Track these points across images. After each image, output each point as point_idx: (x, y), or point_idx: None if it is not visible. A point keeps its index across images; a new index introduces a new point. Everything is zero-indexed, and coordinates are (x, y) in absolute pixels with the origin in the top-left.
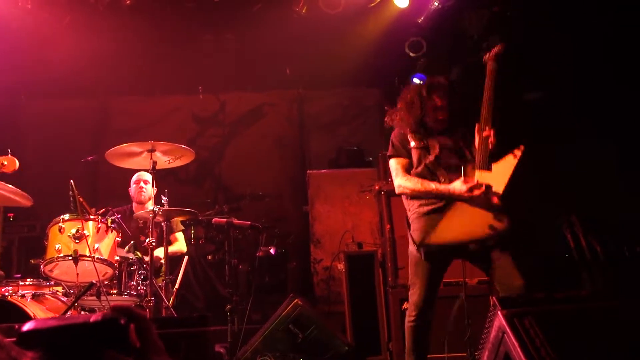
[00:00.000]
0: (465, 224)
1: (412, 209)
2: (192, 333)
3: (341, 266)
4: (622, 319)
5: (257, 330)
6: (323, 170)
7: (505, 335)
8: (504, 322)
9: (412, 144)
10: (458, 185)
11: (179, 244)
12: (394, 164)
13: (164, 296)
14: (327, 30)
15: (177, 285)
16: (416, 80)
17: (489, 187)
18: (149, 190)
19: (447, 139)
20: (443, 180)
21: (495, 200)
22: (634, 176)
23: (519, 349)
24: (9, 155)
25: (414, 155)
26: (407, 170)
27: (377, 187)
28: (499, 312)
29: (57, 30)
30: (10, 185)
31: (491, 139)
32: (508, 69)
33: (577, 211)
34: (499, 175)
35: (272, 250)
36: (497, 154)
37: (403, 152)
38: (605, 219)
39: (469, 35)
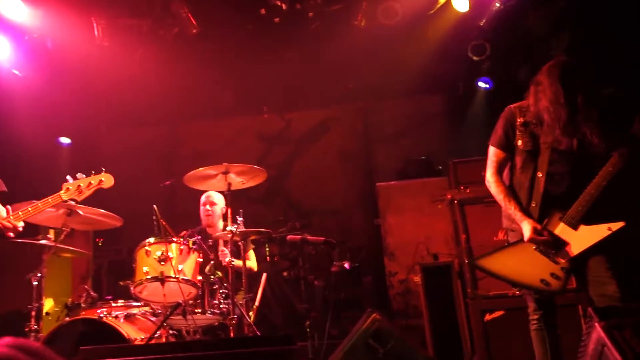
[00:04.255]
0: (522, 264)
1: (503, 208)
2: (280, 352)
3: (417, 279)
4: None
5: (337, 346)
6: (392, 182)
7: (605, 348)
8: (602, 334)
9: (519, 142)
10: (525, 227)
11: (251, 263)
12: (491, 153)
13: (245, 314)
14: (387, 40)
15: (257, 303)
16: (481, 85)
17: (563, 243)
18: (217, 211)
19: (565, 139)
20: (534, 205)
21: (562, 260)
22: None
23: None
24: (104, 172)
25: (519, 156)
26: (502, 166)
27: (449, 197)
28: (596, 324)
29: (130, 64)
30: (101, 210)
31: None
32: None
33: None
34: (582, 238)
35: (346, 265)
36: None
37: (505, 145)
38: None
39: (534, 33)
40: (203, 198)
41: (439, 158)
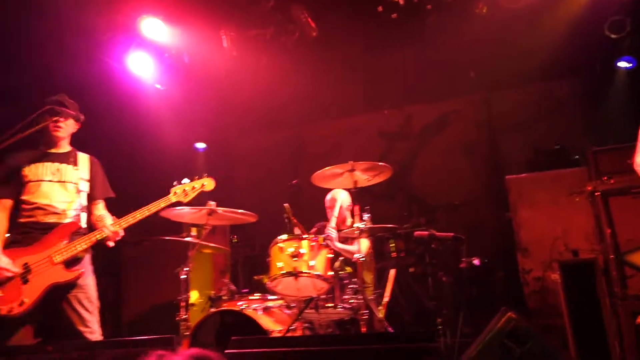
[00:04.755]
0: None
1: None
2: (422, 349)
3: (555, 276)
4: None
5: (470, 344)
6: (523, 175)
7: None
8: None
9: None
10: None
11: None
12: None
13: (375, 309)
14: (510, 25)
15: (387, 298)
16: (623, 64)
17: None
18: (334, 212)
19: None
20: None
21: None
22: None
23: None
24: (206, 177)
25: None
26: None
27: (589, 188)
28: None
29: (256, 71)
30: (238, 210)
31: None
32: None
33: None
34: None
35: (476, 261)
36: None
37: None
38: None
39: None
40: (328, 196)
41: (574, 147)
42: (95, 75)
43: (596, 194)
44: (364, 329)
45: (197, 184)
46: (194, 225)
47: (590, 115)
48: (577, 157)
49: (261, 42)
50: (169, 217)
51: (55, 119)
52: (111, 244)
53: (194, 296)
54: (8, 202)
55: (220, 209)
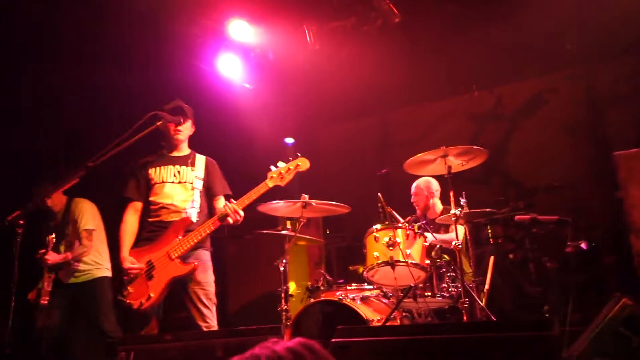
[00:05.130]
0: None
1: None
2: (538, 337)
3: None
4: None
5: (580, 333)
6: (634, 150)
7: None
8: None
9: None
10: None
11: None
12: None
13: (477, 297)
14: None
15: (487, 286)
16: None
17: None
18: (420, 201)
19: None
20: None
21: None
22: None
23: None
24: (300, 157)
25: None
26: None
27: None
28: None
29: (339, 62)
30: (331, 202)
31: None
32: None
33: None
34: None
35: (583, 245)
36: None
37: None
38: None
39: None
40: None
41: None
42: (190, 80)
43: None
44: (465, 318)
45: (291, 165)
46: (289, 218)
47: None
48: None
49: (342, 33)
50: (266, 211)
51: (175, 123)
52: (230, 220)
53: (292, 287)
54: (139, 205)
55: (313, 202)
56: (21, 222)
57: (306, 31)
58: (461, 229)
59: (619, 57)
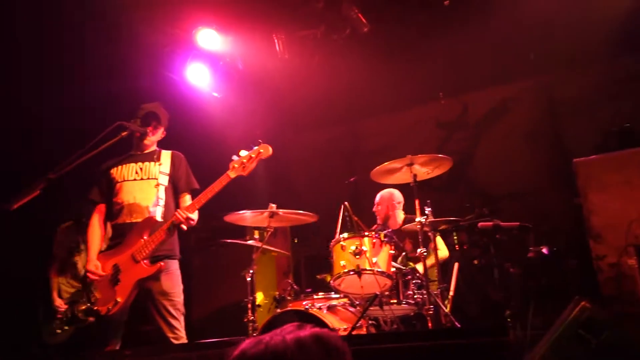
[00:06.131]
0: None
1: None
2: (492, 343)
3: (632, 261)
4: None
5: (541, 337)
6: (592, 157)
7: None
8: None
9: None
10: None
11: (441, 252)
12: None
13: (441, 304)
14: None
15: (451, 292)
16: None
17: None
18: (381, 211)
19: None
20: None
21: None
22: None
23: None
24: (262, 144)
25: None
26: None
27: None
28: None
29: (308, 70)
30: (299, 211)
31: None
32: None
33: None
34: None
35: (544, 250)
36: None
37: None
38: None
39: None
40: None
41: None
42: (158, 89)
43: None
44: (430, 325)
45: (253, 152)
46: (256, 228)
47: None
48: None
49: (312, 41)
50: (233, 221)
51: (141, 133)
52: (184, 227)
53: (259, 297)
54: (103, 207)
55: (281, 211)
56: None
57: (275, 40)
58: (440, 239)
59: (579, 67)
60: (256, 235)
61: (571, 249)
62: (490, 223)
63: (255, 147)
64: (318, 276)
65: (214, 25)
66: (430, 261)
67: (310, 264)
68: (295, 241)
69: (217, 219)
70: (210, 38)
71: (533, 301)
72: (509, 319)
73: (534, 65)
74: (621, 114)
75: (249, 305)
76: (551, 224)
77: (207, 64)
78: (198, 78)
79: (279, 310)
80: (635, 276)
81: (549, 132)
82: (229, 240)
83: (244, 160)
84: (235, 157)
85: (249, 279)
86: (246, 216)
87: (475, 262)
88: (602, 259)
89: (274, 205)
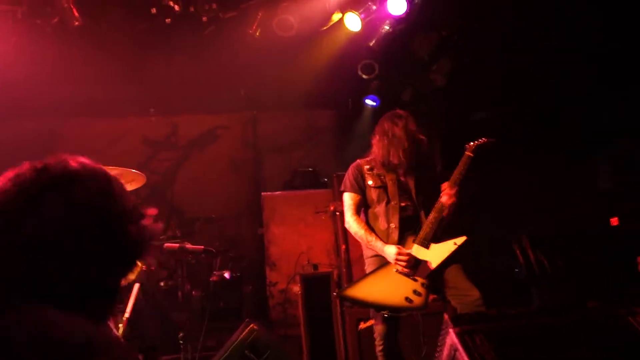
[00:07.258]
0: (387, 288)
1: (363, 243)
2: None
3: (297, 288)
4: (566, 335)
5: (211, 357)
6: (277, 192)
7: (457, 352)
8: (455, 340)
9: (370, 182)
10: (389, 250)
11: None
12: (347, 198)
13: (112, 325)
14: (281, 52)
15: (127, 314)
16: (369, 102)
17: (420, 262)
18: None
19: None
20: (393, 227)
21: (421, 277)
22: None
23: None
24: None
25: (372, 194)
26: (359, 207)
27: (332, 208)
28: (450, 330)
29: (3, 51)
30: None
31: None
32: (456, 90)
33: (526, 229)
34: (435, 254)
35: (226, 275)
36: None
37: (357, 188)
38: (553, 236)
39: (419, 57)
40: None
41: (326, 170)
42: None
43: (337, 213)
44: None
45: None
46: None
47: (342, 143)
48: (325, 179)
49: (11, 20)
50: None
51: None
52: None
53: None
54: None
55: None
56: None
57: None
58: None
59: (282, 110)
60: None
61: (252, 275)
62: (177, 245)
63: None
64: None
65: None
66: None
67: None
68: None
69: None
70: None
71: (207, 323)
72: (180, 341)
73: (243, 101)
74: (309, 157)
75: None
76: (239, 250)
77: None
78: None
79: None
80: (299, 301)
81: (250, 163)
82: None
83: None
84: None
85: None
86: None
87: (162, 283)
88: (275, 285)
89: None
